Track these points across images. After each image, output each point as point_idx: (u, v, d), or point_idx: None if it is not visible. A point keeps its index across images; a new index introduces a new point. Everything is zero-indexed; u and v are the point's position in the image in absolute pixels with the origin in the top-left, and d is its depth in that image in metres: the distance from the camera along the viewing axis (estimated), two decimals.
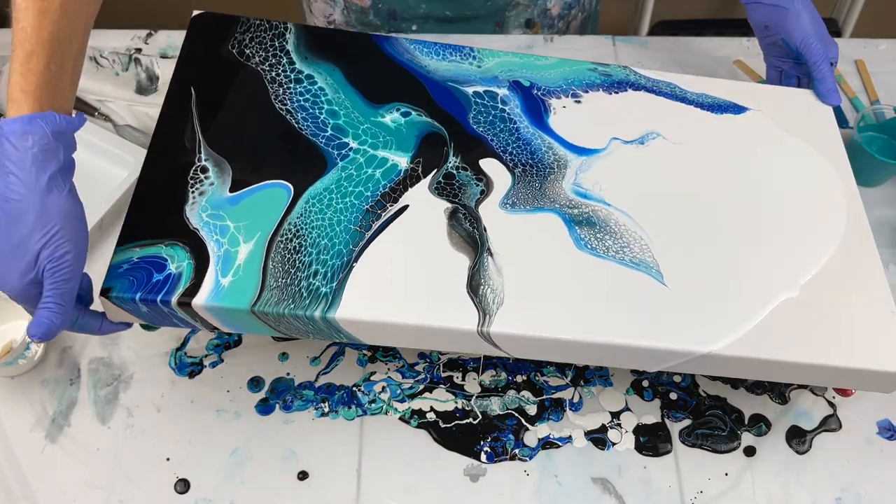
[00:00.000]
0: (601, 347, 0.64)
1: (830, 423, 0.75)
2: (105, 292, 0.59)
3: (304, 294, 0.61)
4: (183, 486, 0.71)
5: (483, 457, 0.73)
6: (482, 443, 0.73)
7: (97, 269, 0.75)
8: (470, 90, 0.76)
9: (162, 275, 0.60)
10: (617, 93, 0.78)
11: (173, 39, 1.00)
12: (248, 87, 0.73)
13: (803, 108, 0.82)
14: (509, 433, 0.74)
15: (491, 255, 0.65)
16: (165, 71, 0.95)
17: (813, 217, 0.73)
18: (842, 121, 0.95)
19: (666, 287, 0.66)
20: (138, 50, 0.99)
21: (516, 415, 0.75)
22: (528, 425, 0.75)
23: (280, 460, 0.72)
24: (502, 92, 0.76)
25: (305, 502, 0.71)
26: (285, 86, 0.73)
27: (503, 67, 0.78)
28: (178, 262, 0.61)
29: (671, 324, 0.64)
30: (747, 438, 0.74)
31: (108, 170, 0.87)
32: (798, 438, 0.74)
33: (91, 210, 0.75)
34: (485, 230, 0.66)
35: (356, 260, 0.63)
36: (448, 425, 0.74)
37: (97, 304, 0.62)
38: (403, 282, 0.63)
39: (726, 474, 0.73)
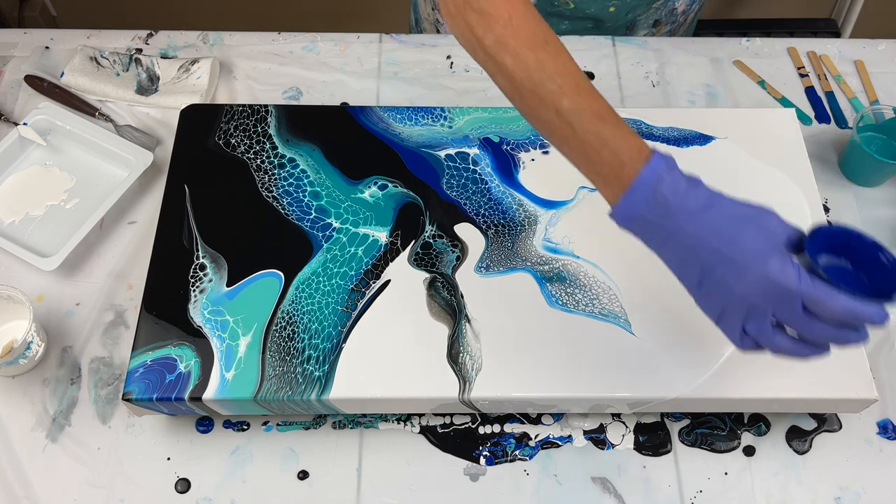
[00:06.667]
0: (574, 401, 0.69)
1: (831, 423, 0.75)
2: (126, 396, 0.67)
3: (300, 380, 0.67)
4: (183, 485, 0.72)
5: (482, 461, 0.73)
6: (481, 447, 0.74)
7: (99, 270, 0.82)
8: (442, 154, 0.80)
9: (173, 375, 0.67)
10: None
11: (173, 39, 1.00)
12: (236, 177, 0.78)
13: (770, 128, 0.83)
14: (510, 438, 0.74)
15: (468, 321, 0.70)
16: (166, 71, 0.95)
17: None
18: (841, 121, 0.95)
19: (634, 336, 0.70)
20: (139, 50, 0.98)
21: (518, 416, 0.75)
22: (528, 427, 0.75)
23: (280, 460, 0.73)
24: (473, 151, 0.80)
25: (305, 502, 0.71)
26: (270, 172, 0.79)
27: (473, 125, 0.82)
28: (186, 361, 0.68)
29: (640, 372, 0.68)
30: (747, 438, 0.75)
31: (108, 170, 0.88)
32: (798, 438, 0.75)
33: (91, 210, 0.83)
34: (462, 296, 0.72)
35: (345, 341, 0.69)
36: (446, 430, 0.75)
37: None
38: (388, 357, 0.69)
39: (726, 474, 0.73)
